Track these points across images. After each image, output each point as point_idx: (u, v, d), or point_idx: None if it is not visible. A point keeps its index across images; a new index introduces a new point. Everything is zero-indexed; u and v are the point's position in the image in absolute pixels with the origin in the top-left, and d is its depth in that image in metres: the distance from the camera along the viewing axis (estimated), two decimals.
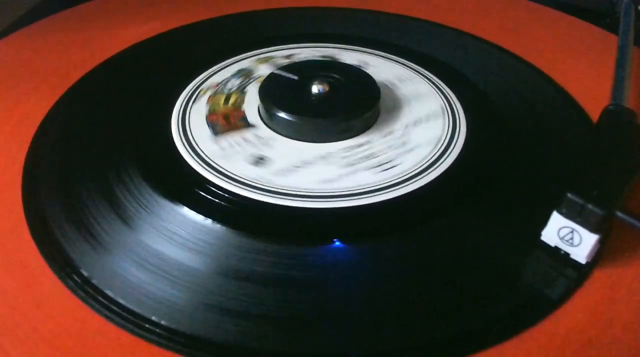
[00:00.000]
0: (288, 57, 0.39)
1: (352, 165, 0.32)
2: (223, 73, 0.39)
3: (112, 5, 0.51)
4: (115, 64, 0.42)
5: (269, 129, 0.34)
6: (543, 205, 0.28)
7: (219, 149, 0.33)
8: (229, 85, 0.35)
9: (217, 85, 0.35)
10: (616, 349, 0.25)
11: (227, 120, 0.34)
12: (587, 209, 0.26)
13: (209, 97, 0.35)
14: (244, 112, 0.35)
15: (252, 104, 0.36)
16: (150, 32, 0.46)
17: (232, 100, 0.35)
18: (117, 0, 0.51)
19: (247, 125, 0.34)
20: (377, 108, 0.35)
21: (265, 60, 0.38)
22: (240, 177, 0.31)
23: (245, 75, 0.37)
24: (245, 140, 0.33)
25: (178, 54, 0.44)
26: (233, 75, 0.37)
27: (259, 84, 0.36)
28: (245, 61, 0.38)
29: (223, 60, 0.41)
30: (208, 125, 0.33)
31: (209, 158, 0.32)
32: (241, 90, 0.35)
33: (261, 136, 0.34)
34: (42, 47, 0.44)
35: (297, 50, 0.42)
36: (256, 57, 0.38)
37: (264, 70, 0.37)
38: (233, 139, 0.33)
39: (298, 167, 0.32)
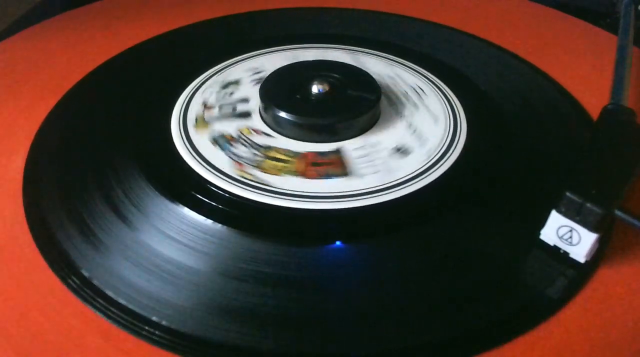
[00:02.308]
0: (206, 106, 0.37)
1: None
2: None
3: (111, 7, 0.51)
4: (116, 65, 0.42)
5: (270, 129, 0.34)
6: (544, 205, 0.28)
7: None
8: (246, 155, 0.33)
9: (242, 164, 0.32)
10: (617, 349, 0.25)
11: (321, 164, 0.32)
12: (586, 208, 0.26)
13: (264, 170, 0.32)
14: (310, 152, 0.33)
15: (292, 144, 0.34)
16: (150, 34, 0.46)
17: (281, 156, 0.33)
18: (116, 2, 0.51)
19: (332, 152, 0.33)
20: (377, 108, 0.35)
21: (202, 123, 0.35)
22: (241, 178, 0.31)
23: (231, 140, 0.34)
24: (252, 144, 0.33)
25: (178, 55, 0.44)
26: (225, 150, 0.33)
27: (254, 134, 0.34)
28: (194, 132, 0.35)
29: (223, 61, 0.41)
30: (329, 178, 0.32)
31: (209, 158, 0.32)
32: (263, 147, 0.34)
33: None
34: (42, 48, 0.45)
35: (298, 51, 0.42)
36: (191, 126, 0.35)
37: (224, 127, 0.35)
38: (359, 164, 0.32)
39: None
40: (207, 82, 0.39)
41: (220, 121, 0.36)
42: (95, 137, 0.35)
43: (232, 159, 0.32)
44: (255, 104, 0.36)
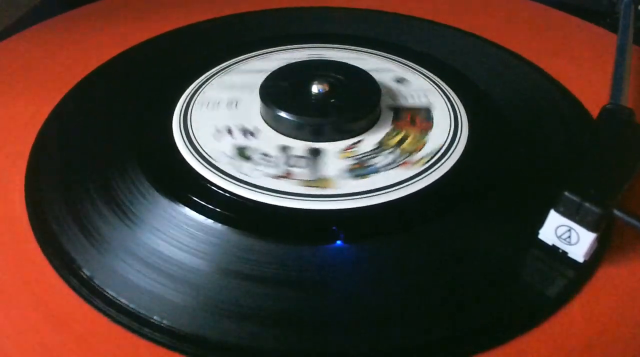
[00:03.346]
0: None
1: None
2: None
3: (111, 7, 0.51)
4: (116, 65, 0.42)
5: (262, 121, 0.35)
6: (544, 205, 0.28)
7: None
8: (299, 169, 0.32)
9: (289, 173, 0.32)
10: (616, 349, 0.25)
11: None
12: (584, 207, 0.26)
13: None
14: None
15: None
16: (150, 34, 0.46)
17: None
18: (116, 2, 0.51)
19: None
20: (378, 108, 0.35)
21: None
22: (242, 177, 0.31)
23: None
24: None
25: (178, 55, 0.44)
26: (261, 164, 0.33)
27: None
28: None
29: (224, 61, 0.41)
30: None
31: (210, 158, 0.32)
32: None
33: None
34: (43, 49, 0.45)
35: (297, 52, 0.42)
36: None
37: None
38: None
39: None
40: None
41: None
42: (96, 137, 0.35)
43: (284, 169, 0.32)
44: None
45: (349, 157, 0.32)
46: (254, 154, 0.33)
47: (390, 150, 0.33)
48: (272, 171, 0.32)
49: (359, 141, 0.34)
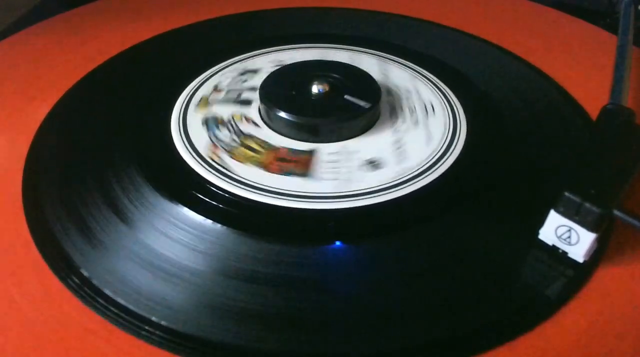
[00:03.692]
0: (215, 88, 0.39)
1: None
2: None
3: (111, 7, 0.51)
4: (116, 65, 0.42)
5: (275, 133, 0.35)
6: (544, 205, 0.28)
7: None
8: (225, 139, 0.34)
9: (216, 146, 0.33)
10: (616, 349, 0.25)
11: (287, 160, 0.33)
12: (584, 207, 0.26)
13: (233, 157, 0.33)
14: (284, 148, 0.34)
15: (273, 138, 0.35)
16: (150, 34, 0.46)
17: (256, 146, 0.33)
18: (116, 2, 0.51)
19: (304, 152, 0.33)
20: (377, 108, 0.35)
21: (205, 103, 0.37)
22: (241, 178, 0.31)
23: (219, 122, 0.35)
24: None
25: (178, 55, 0.44)
26: (210, 131, 0.35)
27: (243, 122, 0.35)
28: (193, 108, 0.37)
29: (223, 61, 0.41)
30: (288, 175, 0.32)
31: (210, 158, 0.32)
32: (243, 134, 0.34)
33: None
34: (42, 48, 0.45)
35: (296, 52, 0.42)
36: (193, 104, 0.37)
37: (220, 110, 0.37)
38: (323, 168, 0.32)
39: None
40: (227, 68, 0.41)
41: (220, 104, 0.37)
42: (95, 136, 0.35)
43: (211, 141, 0.34)
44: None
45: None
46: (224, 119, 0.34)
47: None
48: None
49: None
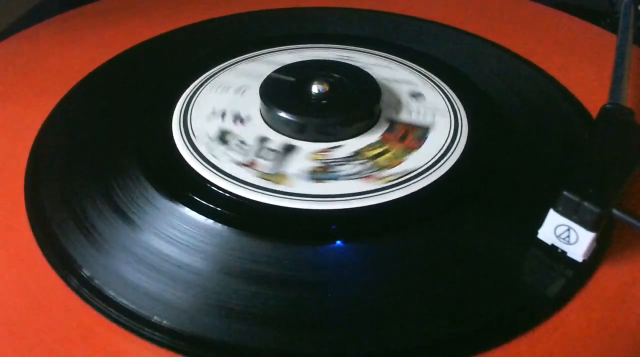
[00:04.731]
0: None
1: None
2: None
3: (111, 7, 0.51)
4: (116, 65, 0.42)
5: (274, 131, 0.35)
6: (543, 204, 0.28)
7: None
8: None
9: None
10: (616, 349, 0.25)
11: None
12: (583, 207, 0.26)
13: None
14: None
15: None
16: (151, 34, 0.46)
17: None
18: (116, 2, 0.51)
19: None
20: (378, 108, 0.35)
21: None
22: (241, 178, 0.31)
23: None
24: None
25: (178, 55, 0.44)
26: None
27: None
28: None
29: (224, 61, 0.41)
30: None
31: (210, 158, 0.32)
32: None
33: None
34: (43, 49, 0.45)
35: (297, 52, 0.42)
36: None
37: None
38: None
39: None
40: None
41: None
42: (96, 137, 0.36)
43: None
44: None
45: (318, 160, 0.32)
46: (232, 140, 0.33)
47: (363, 161, 0.32)
48: (239, 158, 0.32)
49: (338, 146, 0.33)
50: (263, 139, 0.33)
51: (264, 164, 0.32)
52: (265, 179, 0.31)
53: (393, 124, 0.35)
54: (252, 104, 0.36)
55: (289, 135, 0.34)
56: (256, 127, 0.35)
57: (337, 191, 0.30)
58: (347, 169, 0.32)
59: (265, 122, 0.35)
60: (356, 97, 0.35)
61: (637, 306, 0.26)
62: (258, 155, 0.32)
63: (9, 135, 0.36)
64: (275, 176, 0.31)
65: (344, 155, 0.33)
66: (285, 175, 0.31)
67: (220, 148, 0.33)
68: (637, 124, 0.32)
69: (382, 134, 0.34)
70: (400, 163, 0.32)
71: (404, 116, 0.36)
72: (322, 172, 0.31)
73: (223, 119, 0.35)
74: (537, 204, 0.28)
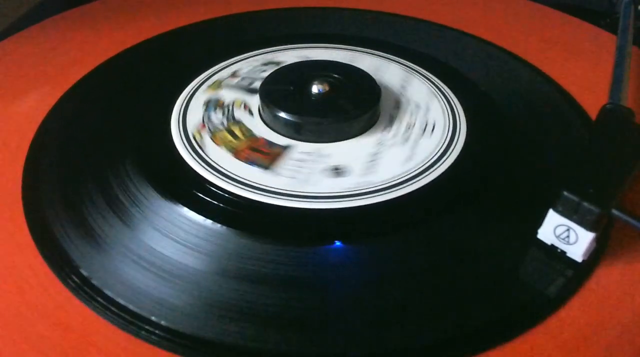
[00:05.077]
0: (234, 74, 0.39)
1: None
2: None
3: (111, 7, 0.51)
4: (115, 65, 0.43)
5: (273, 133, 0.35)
6: (543, 205, 0.28)
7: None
8: (215, 121, 0.35)
9: (204, 126, 0.34)
10: (615, 349, 0.25)
11: (259, 151, 0.33)
12: (583, 207, 0.26)
13: (212, 138, 0.34)
14: (263, 139, 0.34)
15: (259, 128, 0.35)
16: (150, 34, 0.46)
17: (238, 133, 0.34)
18: (116, 2, 0.51)
19: (279, 146, 0.33)
20: (377, 108, 0.35)
21: (217, 85, 0.38)
22: (240, 178, 0.31)
23: (218, 106, 0.36)
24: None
25: (178, 55, 0.44)
26: (206, 112, 0.36)
27: (240, 108, 0.36)
28: (200, 93, 0.38)
29: (223, 61, 0.41)
30: (251, 164, 0.32)
31: (209, 158, 0.32)
32: (234, 120, 0.35)
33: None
34: (42, 48, 0.45)
35: (297, 52, 0.42)
36: (205, 84, 0.39)
37: (227, 94, 0.37)
38: (287, 165, 0.32)
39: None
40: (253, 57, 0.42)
41: (230, 89, 0.38)
42: (95, 136, 0.36)
43: (202, 120, 0.35)
44: None
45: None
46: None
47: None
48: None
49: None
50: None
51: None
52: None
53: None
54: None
55: (320, 142, 0.34)
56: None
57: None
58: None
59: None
60: (359, 95, 0.35)
61: (637, 305, 0.26)
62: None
63: (7, 134, 0.36)
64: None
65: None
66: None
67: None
68: (636, 124, 0.32)
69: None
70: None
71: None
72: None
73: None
74: (536, 204, 0.28)
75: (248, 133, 0.34)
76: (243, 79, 0.39)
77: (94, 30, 0.47)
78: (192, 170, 0.32)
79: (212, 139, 0.34)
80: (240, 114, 0.36)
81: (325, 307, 0.26)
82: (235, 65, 0.41)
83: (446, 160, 0.32)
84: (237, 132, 0.34)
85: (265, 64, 0.40)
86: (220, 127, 0.34)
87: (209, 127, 0.34)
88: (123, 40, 0.45)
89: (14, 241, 0.29)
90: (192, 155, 0.32)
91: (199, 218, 0.29)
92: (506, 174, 0.33)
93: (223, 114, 0.35)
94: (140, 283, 0.27)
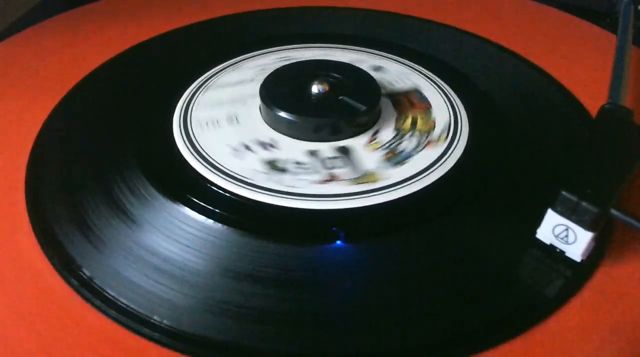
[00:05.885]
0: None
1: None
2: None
3: (111, 7, 0.51)
4: (116, 65, 0.43)
5: (273, 130, 0.35)
6: (542, 204, 0.28)
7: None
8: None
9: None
10: (615, 349, 0.25)
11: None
12: (582, 206, 0.26)
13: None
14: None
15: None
16: (150, 34, 0.46)
17: None
18: (116, 2, 0.51)
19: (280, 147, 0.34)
20: (378, 108, 0.35)
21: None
22: (242, 177, 0.31)
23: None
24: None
25: (179, 55, 0.44)
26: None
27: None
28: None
29: (224, 61, 0.41)
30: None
31: (211, 158, 0.32)
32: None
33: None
34: (43, 48, 0.45)
35: (297, 51, 0.42)
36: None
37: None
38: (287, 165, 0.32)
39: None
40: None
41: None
42: (96, 137, 0.36)
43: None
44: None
45: (378, 148, 0.33)
46: (287, 165, 0.32)
47: (410, 133, 0.34)
48: (316, 177, 0.31)
49: (376, 132, 0.34)
50: (312, 152, 0.33)
51: (344, 172, 0.32)
52: (360, 183, 0.31)
53: (394, 98, 0.37)
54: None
55: (328, 140, 0.34)
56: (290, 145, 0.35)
57: (419, 168, 0.32)
58: (407, 145, 0.33)
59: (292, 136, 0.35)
60: (359, 86, 0.36)
61: (636, 305, 0.26)
62: (328, 168, 0.32)
63: (9, 134, 0.36)
64: (365, 177, 0.31)
65: (390, 138, 0.34)
66: (372, 172, 0.32)
67: (286, 176, 0.32)
68: (636, 124, 0.32)
69: (395, 109, 0.36)
70: (434, 122, 0.35)
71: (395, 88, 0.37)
72: (394, 157, 0.32)
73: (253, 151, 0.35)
74: (536, 203, 0.28)
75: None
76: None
77: (95, 30, 0.47)
78: (193, 170, 0.32)
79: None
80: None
81: (325, 307, 0.26)
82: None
83: (447, 161, 0.32)
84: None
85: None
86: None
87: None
88: (124, 40, 0.45)
89: (16, 241, 0.29)
90: (193, 155, 0.32)
91: (201, 218, 0.29)
92: (506, 174, 0.33)
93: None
94: (141, 283, 0.27)
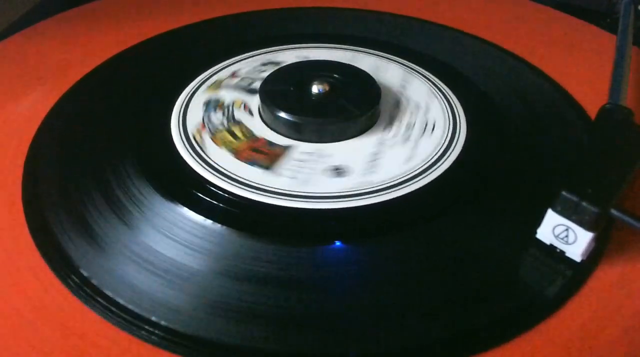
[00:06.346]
0: (233, 74, 0.39)
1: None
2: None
3: (111, 7, 0.51)
4: (115, 65, 0.43)
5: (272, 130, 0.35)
6: (542, 204, 0.28)
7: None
8: (215, 122, 0.35)
9: (204, 126, 0.34)
10: (615, 349, 0.25)
11: (260, 151, 0.33)
12: (582, 206, 0.26)
13: (212, 139, 0.34)
14: (264, 139, 0.34)
15: (259, 129, 0.35)
16: (150, 34, 0.46)
17: (239, 133, 0.34)
18: (116, 2, 0.51)
19: (280, 146, 0.33)
20: (377, 108, 0.35)
21: (217, 85, 0.38)
22: (241, 178, 0.31)
23: (218, 106, 0.36)
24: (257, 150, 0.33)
25: (178, 55, 0.44)
26: (206, 112, 0.36)
27: (240, 109, 0.36)
28: (200, 94, 0.38)
29: (223, 61, 0.41)
30: (252, 165, 0.32)
31: (210, 159, 0.32)
32: (234, 120, 0.35)
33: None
34: (43, 47, 0.45)
35: (297, 51, 0.42)
36: (205, 85, 0.39)
37: (227, 94, 0.37)
38: (287, 165, 0.32)
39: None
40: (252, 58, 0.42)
41: (230, 89, 0.38)
42: (95, 136, 0.36)
43: (202, 121, 0.35)
44: None
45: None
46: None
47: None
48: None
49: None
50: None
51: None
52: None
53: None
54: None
55: (320, 142, 0.34)
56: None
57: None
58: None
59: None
60: (359, 95, 0.35)
61: (637, 305, 0.26)
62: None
63: (7, 134, 0.36)
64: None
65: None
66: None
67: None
68: (636, 124, 0.32)
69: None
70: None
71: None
72: None
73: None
74: (536, 203, 0.28)
75: (248, 133, 0.34)
76: (242, 79, 0.39)
77: (94, 30, 0.47)
78: (192, 171, 0.32)
79: (212, 139, 0.34)
80: (240, 114, 0.36)
81: (325, 307, 0.26)
82: (234, 65, 0.41)
83: (446, 161, 0.32)
84: (238, 132, 0.34)
85: (265, 64, 0.40)
86: (220, 127, 0.34)
87: (209, 128, 0.34)
88: (123, 40, 0.45)
89: (13, 241, 0.29)
90: (192, 156, 0.32)
91: (199, 218, 0.29)
92: (506, 174, 0.33)
93: (223, 114, 0.35)
94: (140, 283, 0.27)
